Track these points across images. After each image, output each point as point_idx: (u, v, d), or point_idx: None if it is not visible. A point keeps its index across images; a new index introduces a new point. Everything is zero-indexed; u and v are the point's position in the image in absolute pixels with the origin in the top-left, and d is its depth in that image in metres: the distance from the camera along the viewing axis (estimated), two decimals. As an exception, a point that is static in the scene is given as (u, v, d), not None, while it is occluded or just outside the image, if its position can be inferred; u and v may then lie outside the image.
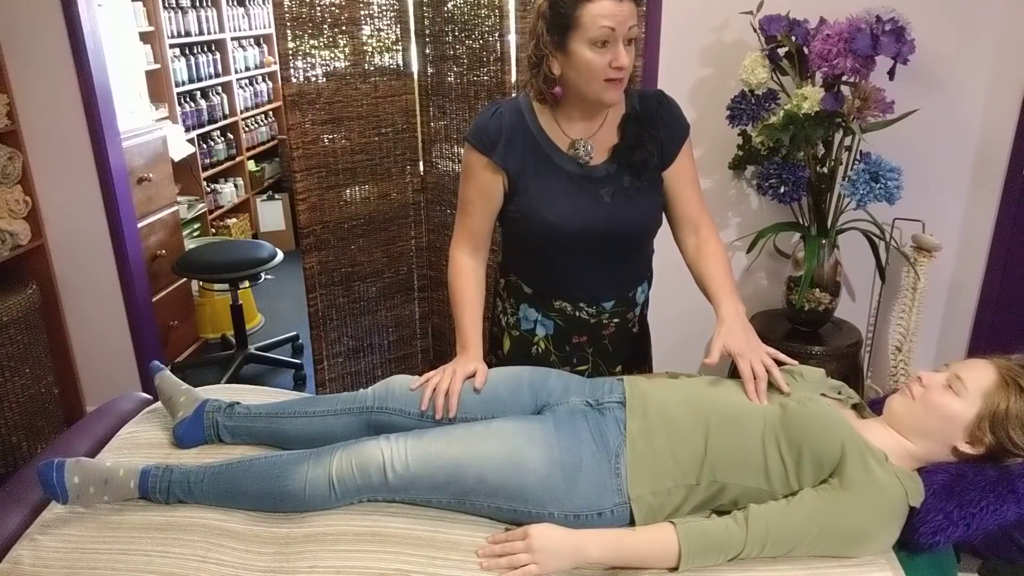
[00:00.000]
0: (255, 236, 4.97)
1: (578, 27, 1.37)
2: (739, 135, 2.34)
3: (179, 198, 3.90)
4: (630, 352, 1.74)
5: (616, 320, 1.64)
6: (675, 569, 1.22)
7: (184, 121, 4.21)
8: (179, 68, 4.21)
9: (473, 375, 1.49)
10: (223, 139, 4.70)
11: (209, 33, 4.52)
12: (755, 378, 1.37)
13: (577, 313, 1.62)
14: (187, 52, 4.35)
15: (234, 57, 4.82)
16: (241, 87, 4.94)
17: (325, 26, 2.40)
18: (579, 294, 1.60)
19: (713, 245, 1.56)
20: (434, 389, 1.46)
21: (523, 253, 1.63)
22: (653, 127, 1.52)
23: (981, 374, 1.28)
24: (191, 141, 4.21)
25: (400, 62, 2.58)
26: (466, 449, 1.34)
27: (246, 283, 3.60)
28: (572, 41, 1.39)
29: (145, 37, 3.88)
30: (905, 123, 2.13)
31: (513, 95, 2.06)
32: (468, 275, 1.59)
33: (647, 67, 2.38)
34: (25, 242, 2.62)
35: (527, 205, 1.52)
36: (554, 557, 1.22)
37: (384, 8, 2.49)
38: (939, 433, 1.29)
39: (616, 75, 1.39)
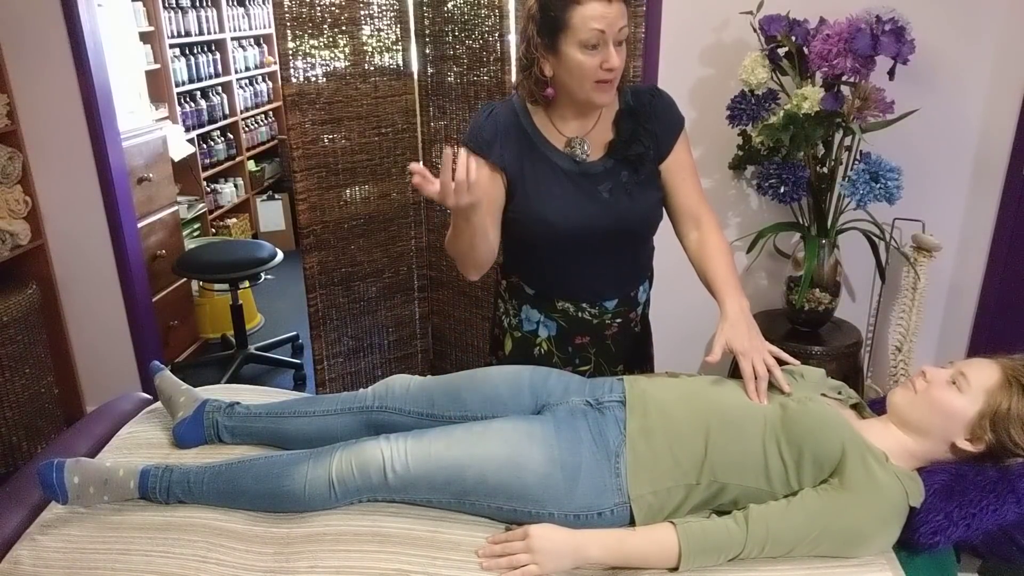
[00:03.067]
0: (255, 236, 4.97)
1: (568, 29, 1.37)
2: (739, 135, 2.34)
3: (179, 198, 3.89)
4: (632, 352, 1.74)
5: (619, 320, 1.64)
6: (675, 569, 1.22)
7: (184, 121, 4.21)
8: (179, 68, 4.21)
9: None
10: (223, 139, 4.70)
11: (209, 33, 4.52)
12: (756, 378, 1.36)
13: (580, 314, 1.61)
14: (187, 52, 4.35)
15: (234, 57, 4.82)
16: (241, 87, 4.94)
17: (325, 26, 2.40)
18: (581, 293, 1.60)
19: (716, 239, 1.55)
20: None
21: (524, 253, 1.62)
22: (647, 121, 1.52)
23: (985, 372, 1.28)
24: (191, 141, 4.21)
25: (400, 62, 2.58)
26: (466, 449, 1.34)
27: (246, 283, 3.60)
28: (563, 43, 1.39)
29: (145, 37, 3.88)
30: (905, 123, 2.13)
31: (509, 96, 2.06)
32: None
33: (647, 67, 2.38)
34: (25, 242, 2.62)
35: (525, 204, 1.52)
36: (554, 557, 1.22)
37: (384, 8, 2.49)
38: (940, 429, 1.29)
39: (607, 76, 1.40)
